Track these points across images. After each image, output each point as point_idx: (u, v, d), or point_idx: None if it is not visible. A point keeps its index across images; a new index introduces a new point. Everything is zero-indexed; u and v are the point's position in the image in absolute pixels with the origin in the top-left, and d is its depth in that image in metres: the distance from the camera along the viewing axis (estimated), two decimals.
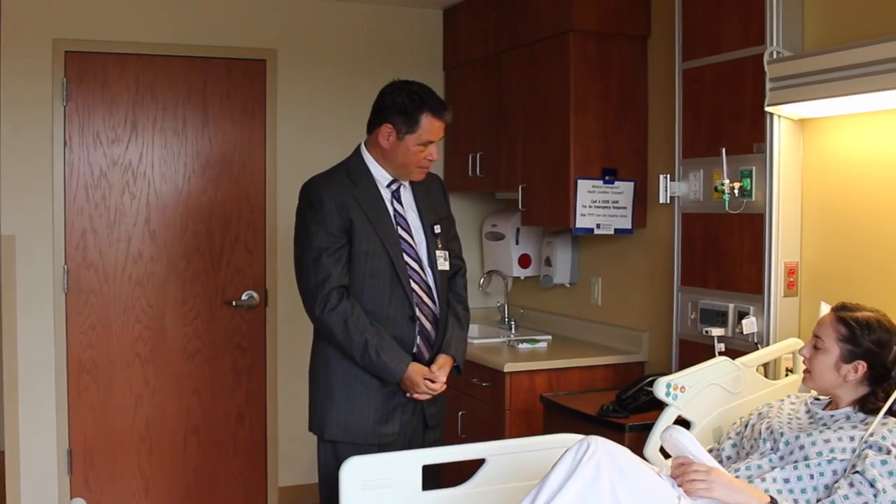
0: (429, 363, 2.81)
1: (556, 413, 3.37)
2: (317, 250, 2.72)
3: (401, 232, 2.81)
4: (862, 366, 2.26)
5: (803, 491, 2.13)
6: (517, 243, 4.44)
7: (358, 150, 2.87)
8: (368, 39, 4.62)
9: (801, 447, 2.19)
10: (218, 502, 4.46)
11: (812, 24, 2.97)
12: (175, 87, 4.33)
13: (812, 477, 2.14)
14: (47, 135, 4.14)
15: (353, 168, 2.83)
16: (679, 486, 2.01)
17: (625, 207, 3.79)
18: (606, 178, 3.76)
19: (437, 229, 2.90)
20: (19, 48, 4.06)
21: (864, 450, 2.10)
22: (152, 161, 4.31)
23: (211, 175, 4.40)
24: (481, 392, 3.79)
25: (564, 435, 2.46)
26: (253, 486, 4.53)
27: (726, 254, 3.18)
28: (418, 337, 2.80)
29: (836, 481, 2.10)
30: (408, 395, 2.79)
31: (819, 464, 2.14)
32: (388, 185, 2.84)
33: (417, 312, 2.79)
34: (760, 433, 2.33)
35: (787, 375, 2.87)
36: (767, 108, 2.94)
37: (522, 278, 4.52)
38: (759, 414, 2.43)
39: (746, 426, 2.43)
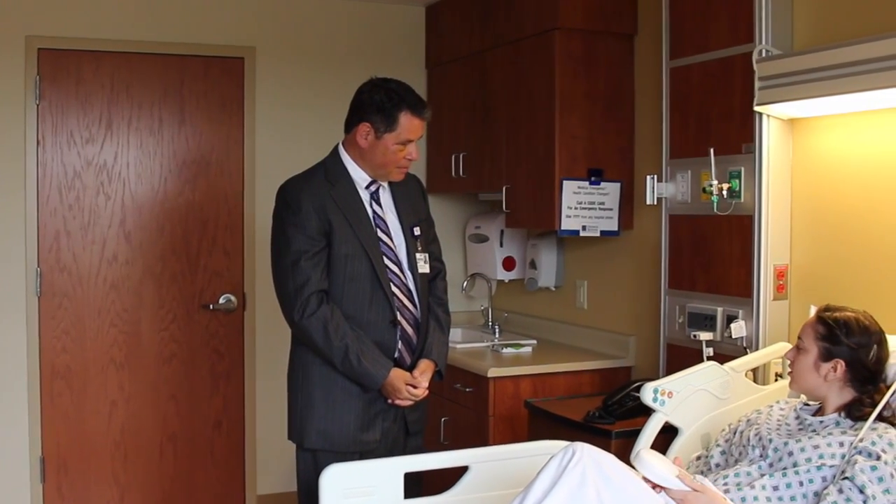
0: (410, 368, 2.79)
1: (540, 419, 3.36)
2: (295, 254, 2.68)
3: (380, 234, 2.78)
4: (840, 364, 2.27)
5: (793, 498, 2.13)
6: (501, 245, 4.43)
7: (336, 150, 2.84)
8: (349, 37, 4.60)
9: (790, 453, 2.19)
10: None
11: (802, 23, 2.96)
12: (151, 85, 4.29)
13: (801, 484, 2.13)
14: (20, 134, 4.09)
15: (331, 169, 2.79)
16: None
17: (611, 209, 3.78)
18: (592, 178, 3.74)
19: (417, 231, 2.87)
20: None
21: (853, 455, 2.11)
22: (127, 161, 4.27)
23: (188, 176, 4.35)
24: (464, 398, 3.77)
25: (549, 441, 2.46)
26: (231, 495, 4.49)
27: (714, 256, 3.18)
28: (399, 342, 2.77)
29: (826, 488, 2.09)
30: (389, 401, 2.76)
31: (808, 470, 2.14)
32: (367, 187, 2.80)
33: (399, 317, 2.76)
34: (749, 440, 2.33)
35: (776, 381, 2.86)
36: (756, 108, 2.93)
37: (507, 281, 4.50)
38: (748, 420, 2.43)
39: (735, 433, 2.43)
